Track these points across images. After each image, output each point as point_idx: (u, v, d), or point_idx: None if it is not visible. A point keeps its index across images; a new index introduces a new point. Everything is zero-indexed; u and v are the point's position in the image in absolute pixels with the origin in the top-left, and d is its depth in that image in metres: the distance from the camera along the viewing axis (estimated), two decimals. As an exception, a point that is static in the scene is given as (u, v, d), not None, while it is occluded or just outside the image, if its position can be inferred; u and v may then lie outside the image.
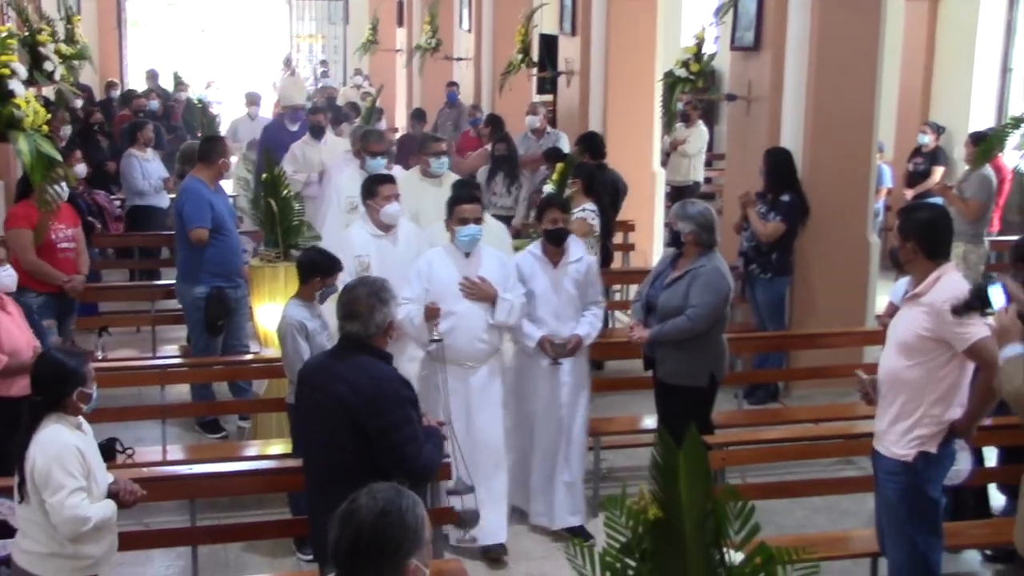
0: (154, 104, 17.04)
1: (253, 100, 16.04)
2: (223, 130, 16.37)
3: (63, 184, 7.71)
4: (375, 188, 7.56)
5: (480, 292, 6.78)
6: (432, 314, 6.57)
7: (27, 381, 5.17)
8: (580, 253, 7.24)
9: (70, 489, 4.76)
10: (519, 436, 7.24)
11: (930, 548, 5.49)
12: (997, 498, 7.29)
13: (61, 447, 4.80)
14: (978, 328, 5.20)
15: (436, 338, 6.53)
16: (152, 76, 20.57)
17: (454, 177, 9.24)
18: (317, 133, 12.27)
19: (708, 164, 16.06)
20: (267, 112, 17.56)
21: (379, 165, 9.04)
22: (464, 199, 6.94)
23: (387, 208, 7.49)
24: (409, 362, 7.12)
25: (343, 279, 6.62)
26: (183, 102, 18.18)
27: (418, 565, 3.02)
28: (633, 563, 3.18)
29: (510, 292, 6.90)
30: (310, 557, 6.72)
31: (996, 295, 5.04)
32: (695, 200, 7.60)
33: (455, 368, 6.75)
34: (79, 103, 15.73)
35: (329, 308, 6.41)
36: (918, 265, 5.41)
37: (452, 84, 18.51)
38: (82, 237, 8.84)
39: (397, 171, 9.53)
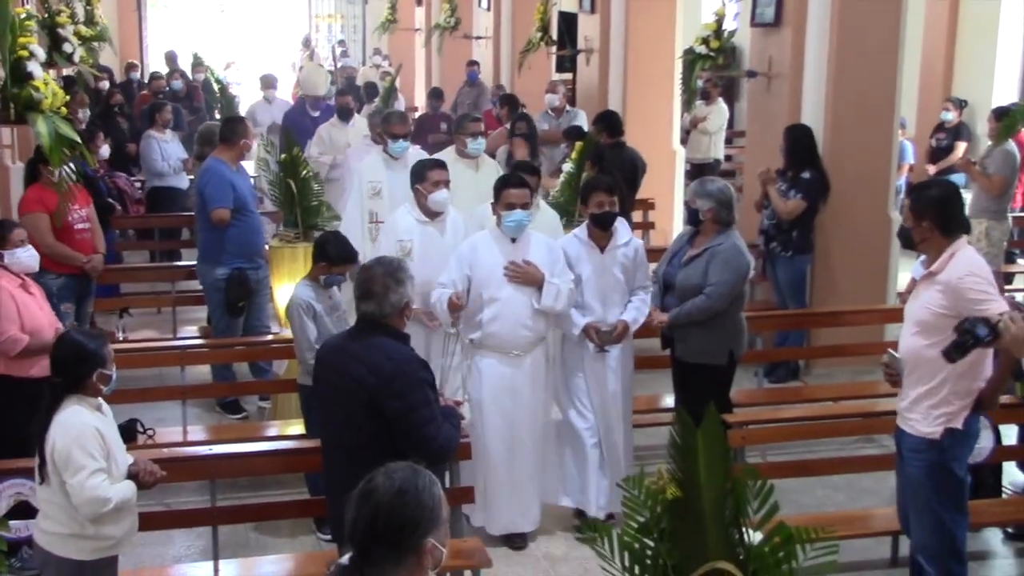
0: (177, 84, 16.99)
1: (269, 83, 15.74)
2: (241, 113, 16.34)
3: (71, 165, 7.69)
4: (425, 173, 7.31)
5: (526, 276, 6.56)
6: (454, 308, 6.46)
7: (47, 362, 5.19)
8: (627, 236, 6.99)
9: (90, 470, 4.77)
10: (566, 425, 7.04)
11: (956, 525, 5.45)
12: (1015, 475, 7.26)
13: (81, 428, 4.82)
14: (998, 304, 5.15)
15: (451, 331, 6.51)
16: (171, 58, 20.56)
17: (490, 159, 9.16)
18: (345, 115, 12.20)
19: (728, 142, 15.98)
20: (284, 94, 17.49)
21: (402, 148, 8.85)
22: (512, 183, 6.72)
23: (435, 195, 7.22)
24: (448, 356, 6.94)
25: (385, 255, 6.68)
26: (200, 83, 18.10)
27: (435, 544, 3.02)
28: (652, 543, 3.17)
29: (558, 277, 6.65)
30: (329, 536, 6.75)
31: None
32: (714, 177, 7.57)
33: (498, 356, 6.62)
34: (104, 84, 15.77)
35: (347, 289, 6.45)
36: (933, 243, 5.36)
37: (473, 63, 18.28)
38: (95, 216, 8.82)
39: (413, 151, 9.40)
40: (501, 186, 6.69)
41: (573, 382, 7.00)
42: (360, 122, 12.19)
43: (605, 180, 7.07)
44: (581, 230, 7.02)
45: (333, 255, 6.85)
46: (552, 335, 6.98)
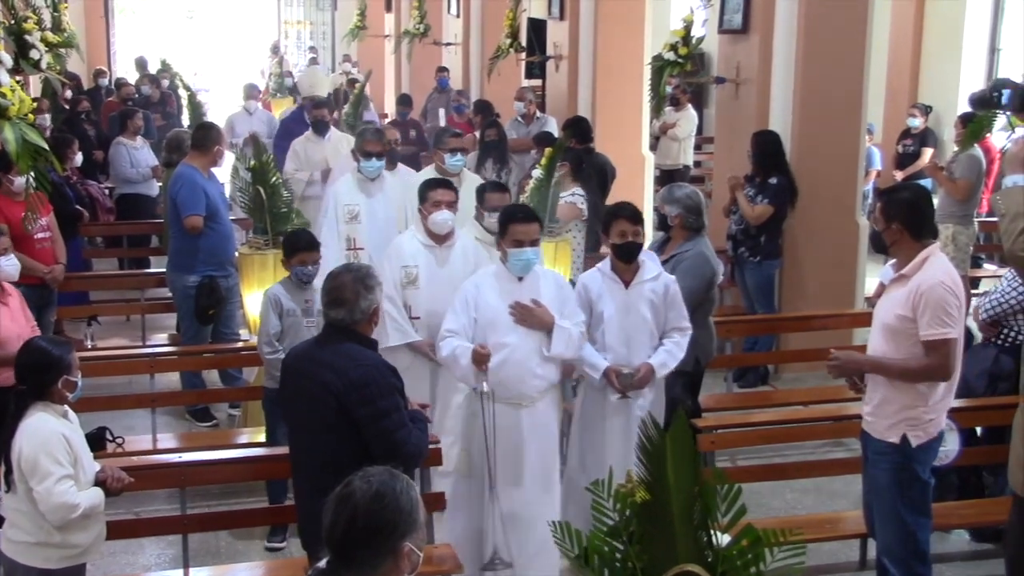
0: (147, 90, 16.83)
1: (251, 94, 15.14)
2: (220, 122, 16.13)
3: (42, 172, 7.62)
4: (427, 192, 6.96)
5: (533, 318, 5.94)
6: (481, 359, 5.78)
7: (8, 373, 5.16)
8: (656, 270, 6.33)
9: (57, 477, 4.75)
10: (585, 480, 5.63)
11: (919, 528, 5.51)
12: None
13: (47, 435, 4.79)
14: (952, 330, 5.21)
15: (484, 389, 5.72)
16: (141, 64, 20.45)
17: (472, 176, 8.87)
18: (321, 129, 11.49)
19: (697, 148, 16.06)
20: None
21: (375, 168, 8.41)
22: (518, 217, 6.06)
23: (435, 215, 6.84)
24: (455, 393, 6.41)
25: (392, 286, 6.63)
26: (165, 90, 17.91)
27: (412, 548, 3.04)
28: (621, 546, 3.18)
29: (569, 319, 6.02)
30: (281, 545, 6.76)
31: None
32: (682, 184, 7.60)
33: (504, 407, 5.86)
34: (69, 93, 15.66)
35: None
36: (904, 246, 5.41)
37: (443, 70, 18.19)
38: (55, 225, 8.73)
39: (402, 170, 9.13)
40: (506, 221, 6.08)
41: (588, 435, 6.36)
42: (337, 137, 11.55)
43: (628, 207, 6.34)
44: (604, 264, 6.39)
45: (299, 243, 6.94)
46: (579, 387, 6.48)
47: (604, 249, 11.19)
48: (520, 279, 6.04)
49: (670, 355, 6.24)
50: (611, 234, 6.27)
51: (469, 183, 8.32)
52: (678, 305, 6.32)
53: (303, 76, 14.02)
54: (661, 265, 6.78)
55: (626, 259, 6.23)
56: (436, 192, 6.93)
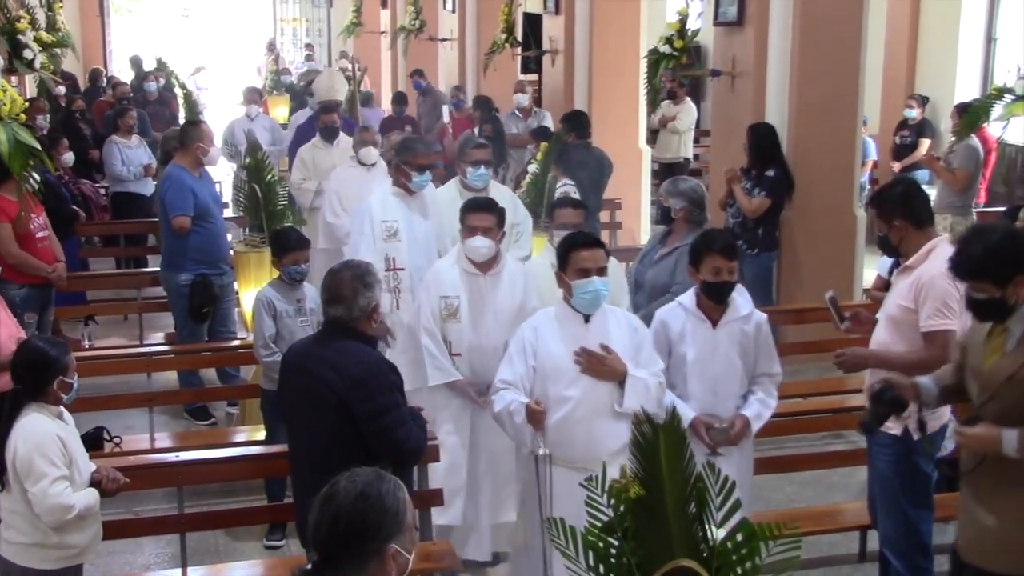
0: (151, 87, 16.73)
1: (251, 98, 14.21)
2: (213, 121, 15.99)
3: (34, 174, 7.60)
4: (463, 215, 6.31)
5: (602, 367, 5.16)
6: (537, 418, 5.06)
7: (6, 378, 5.15)
8: (748, 307, 5.60)
9: (52, 478, 4.74)
10: None
11: (921, 520, 5.51)
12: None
13: (42, 436, 4.78)
14: (952, 322, 5.20)
15: (540, 452, 5.02)
16: (136, 63, 20.42)
17: (503, 189, 8.18)
18: (329, 135, 10.84)
19: (695, 141, 16.04)
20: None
21: (425, 182, 7.74)
22: (581, 243, 5.31)
23: (469, 242, 6.19)
24: (499, 439, 5.73)
25: (430, 319, 6.13)
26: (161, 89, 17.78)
27: (398, 550, 2.99)
28: (615, 541, 3.17)
29: (644, 367, 5.27)
30: (279, 544, 6.75)
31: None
32: (685, 177, 7.57)
33: (566, 472, 5.03)
34: (61, 90, 15.63)
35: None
36: (910, 239, 5.40)
37: (416, 73, 17.39)
38: (49, 223, 8.62)
39: (429, 187, 8.06)
40: (567, 248, 5.32)
41: None
42: (345, 143, 10.64)
43: (721, 239, 5.57)
44: (688, 298, 5.61)
45: (288, 243, 6.91)
46: None
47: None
48: (587, 320, 5.26)
49: (764, 406, 5.54)
50: (702, 269, 5.47)
51: (499, 199, 7.35)
52: (770, 347, 5.65)
53: (321, 79, 12.91)
54: (664, 257, 6.73)
55: (718, 299, 5.50)
56: (471, 216, 6.24)
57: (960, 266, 4.41)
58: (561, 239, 5.63)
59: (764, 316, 5.66)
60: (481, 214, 6.22)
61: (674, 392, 5.48)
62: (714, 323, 5.52)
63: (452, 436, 6.21)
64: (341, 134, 10.96)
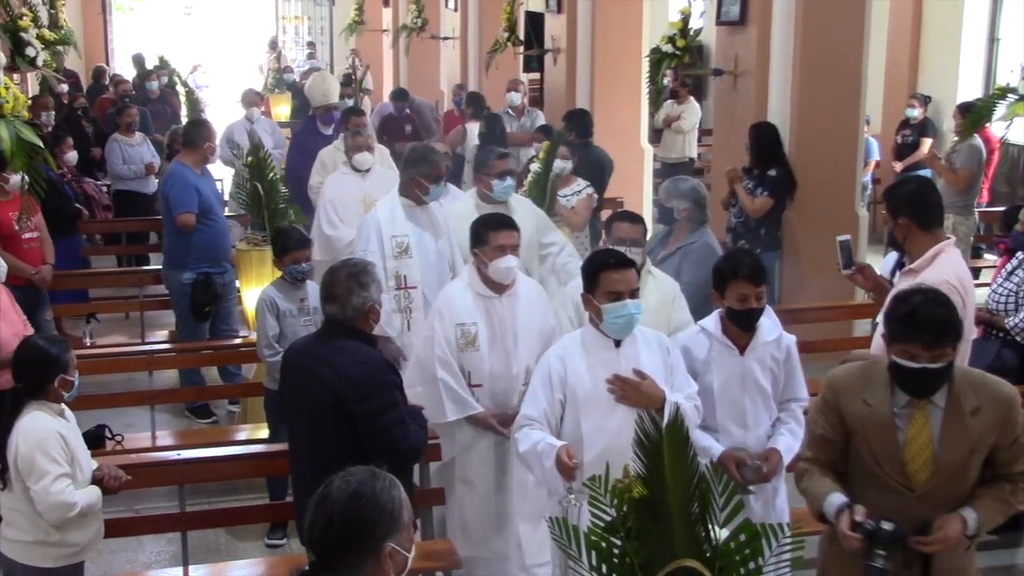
0: (154, 85, 16.69)
1: (252, 101, 13.58)
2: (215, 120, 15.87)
3: (37, 171, 7.56)
4: (486, 233, 5.75)
5: (638, 394, 4.81)
6: (568, 473, 4.62)
7: (7, 376, 5.16)
8: (776, 331, 5.20)
9: (54, 475, 4.75)
10: None
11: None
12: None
13: (43, 434, 4.79)
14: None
15: (572, 502, 4.56)
16: (139, 60, 20.41)
17: (524, 201, 7.67)
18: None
19: (697, 140, 16.02)
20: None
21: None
22: (611, 263, 4.92)
23: (498, 263, 5.68)
24: (525, 474, 5.32)
25: (446, 349, 5.65)
26: (163, 87, 17.73)
27: (394, 548, 2.97)
28: (619, 541, 3.17)
29: (679, 390, 4.95)
30: (279, 542, 6.76)
31: None
32: (685, 176, 7.54)
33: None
34: (64, 88, 15.62)
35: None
36: (915, 239, 5.38)
37: (399, 94, 16.05)
38: (44, 225, 8.60)
39: (450, 198, 7.72)
40: (596, 269, 4.92)
41: None
42: None
43: (747, 262, 5.11)
44: (711, 322, 5.20)
45: (289, 243, 6.89)
46: None
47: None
48: (617, 344, 4.92)
49: (795, 437, 5.12)
50: (727, 295, 5.05)
51: (523, 212, 7.17)
52: (798, 370, 5.26)
53: (313, 84, 12.36)
54: (667, 258, 6.65)
55: (745, 327, 5.09)
56: (499, 235, 5.71)
57: (931, 330, 3.87)
58: (588, 258, 5.29)
59: (793, 338, 5.25)
60: (509, 232, 5.76)
61: (699, 424, 5.10)
62: (741, 349, 5.11)
63: (478, 470, 5.81)
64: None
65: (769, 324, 5.15)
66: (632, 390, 4.80)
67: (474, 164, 7.80)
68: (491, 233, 5.70)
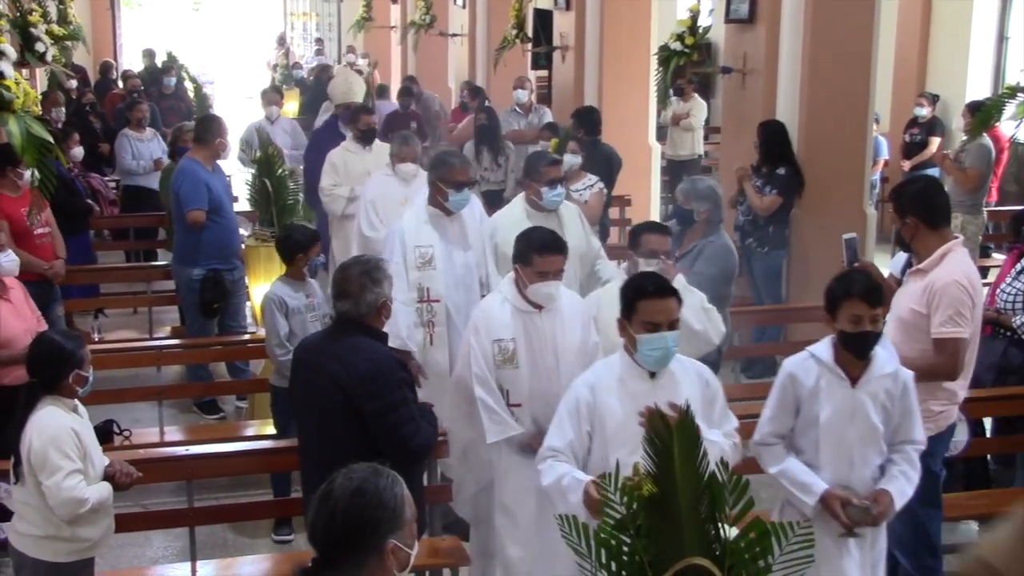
0: (170, 81, 16.64)
1: (271, 99, 13.24)
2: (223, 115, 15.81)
3: (48, 166, 7.58)
4: (530, 255, 5.41)
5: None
6: (594, 506, 4.13)
7: (21, 371, 5.17)
8: (893, 364, 4.78)
9: (67, 471, 4.76)
10: None
11: (930, 519, 5.51)
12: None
13: (57, 429, 4.80)
14: (963, 330, 5.18)
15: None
16: (149, 55, 20.43)
17: (571, 208, 7.42)
18: (367, 139, 9.90)
19: (704, 138, 16.00)
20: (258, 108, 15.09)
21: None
22: (652, 292, 4.56)
23: (538, 288, 5.38)
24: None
25: (484, 367, 5.37)
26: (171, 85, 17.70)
27: (397, 545, 2.97)
28: (628, 539, 3.17)
29: (716, 428, 4.66)
30: (286, 538, 6.76)
31: None
32: (700, 177, 7.53)
33: None
34: (73, 84, 15.65)
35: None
36: (922, 239, 5.39)
37: (406, 91, 15.56)
38: (54, 220, 8.57)
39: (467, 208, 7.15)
40: (633, 297, 4.59)
41: None
42: (379, 147, 9.78)
43: (862, 281, 4.76)
44: (822, 349, 4.81)
45: (301, 240, 6.87)
46: None
47: (612, 240, 11.22)
48: (652, 375, 4.61)
49: (909, 481, 4.76)
50: (839, 317, 4.69)
51: (569, 218, 7.03)
52: (916, 411, 4.82)
53: (336, 82, 11.95)
54: (681, 257, 6.62)
55: (859, 352, 4.70)
56: (545, 260, 5.39)
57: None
58: (626, 283, 4.90)
59: (911, 374, 4.82)
60: (557, 256, 5.43)
61: (800, 458, 4.80)
62: (853, 381, 4.72)
63: (519, 498, 5.40)
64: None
65: (885, 356, 4.78)
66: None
67: (524, 169, 7.53)
68: (536, 257, 5.37)
